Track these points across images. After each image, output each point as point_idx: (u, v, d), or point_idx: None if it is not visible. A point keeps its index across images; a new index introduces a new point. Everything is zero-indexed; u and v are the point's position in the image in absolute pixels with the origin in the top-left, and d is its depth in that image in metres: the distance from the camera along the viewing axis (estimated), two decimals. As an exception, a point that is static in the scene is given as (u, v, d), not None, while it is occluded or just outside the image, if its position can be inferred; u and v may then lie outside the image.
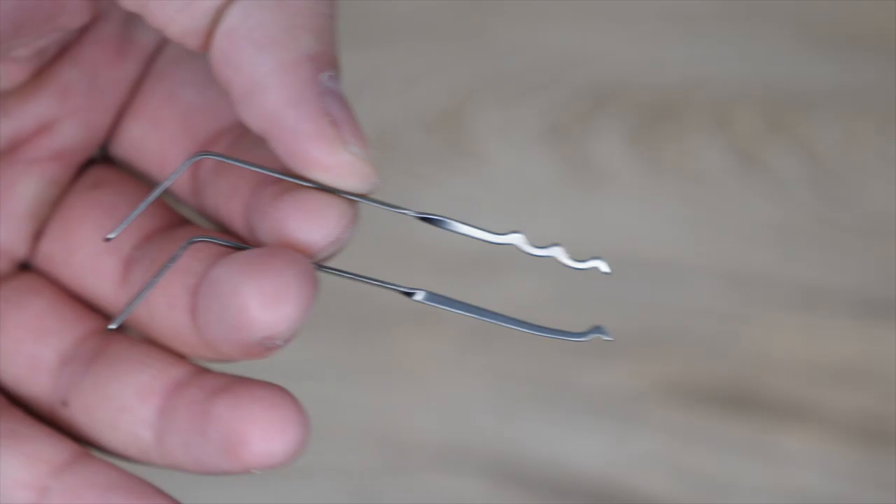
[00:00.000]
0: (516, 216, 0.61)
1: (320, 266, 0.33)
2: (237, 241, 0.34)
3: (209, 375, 0.35)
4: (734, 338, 0.59)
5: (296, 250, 0.33)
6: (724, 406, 0.57)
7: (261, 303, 0.31)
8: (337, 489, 0.56)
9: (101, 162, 0.38)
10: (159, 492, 0.37)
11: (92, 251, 0.37)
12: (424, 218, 0.34)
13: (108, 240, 0.34)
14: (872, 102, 0.63)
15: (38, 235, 0.37)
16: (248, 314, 0.31)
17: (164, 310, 0.35)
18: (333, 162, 0.33)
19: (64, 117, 0.37)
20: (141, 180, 0.38)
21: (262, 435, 0.33)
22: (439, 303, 0.34)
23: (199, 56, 0.36)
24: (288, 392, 0.34)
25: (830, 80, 0.64)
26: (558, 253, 0.34)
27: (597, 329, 0.34)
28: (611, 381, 0.58)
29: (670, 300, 0.59)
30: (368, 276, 0.35)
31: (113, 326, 0.34)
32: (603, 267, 0.34)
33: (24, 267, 0.38)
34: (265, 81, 0.32)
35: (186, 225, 0.37)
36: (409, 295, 0.34)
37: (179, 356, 0.36)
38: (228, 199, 0.35)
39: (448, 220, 0.34)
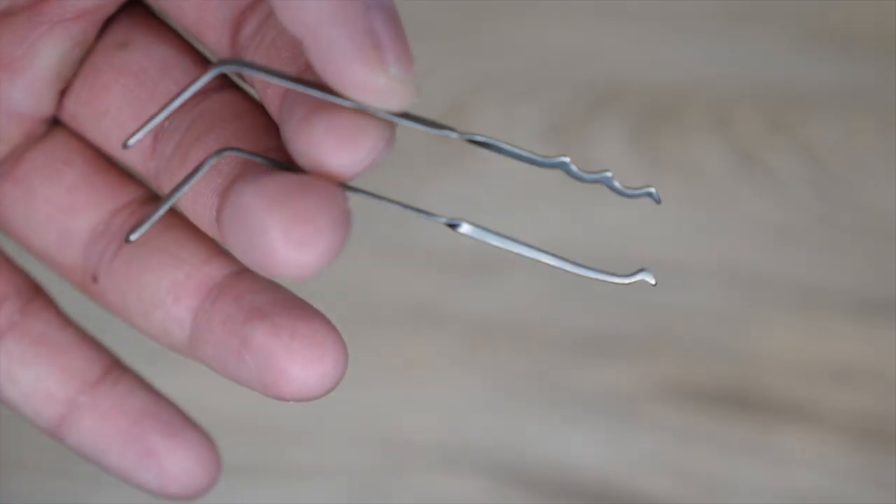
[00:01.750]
0: (516, 216, 0.61)
1: (354, 189, 0.32)
2: (269, 157, 0.33)
3: (244, 285, 0.34)
4: (734, 338, 0.58)
5: (328, 176, 0.31)
6: (724, 406, 0.57)
7: (288, 245, 0.29)
8: (337, 489, 0.56)
9: (130, 9, 0.36)
10: (190, 423, 0.36)
11: (120, 119, 0.35)
12: (472, 140, 0.33)
13: (126, 146, 0.32)
14: (872, 102, 0.63)
15: (63, 92, 0.36)
16: (274, 254, 0.30)
17: (189, 203, 0.33)
18: (370, 85, 0.30)
19: None
20: (172, 32, 0.36)
21: (300, 369, 0.32)
22: (482, 235, 0.33)
23: None
24: (327, 321, 0.33)
25: (830, 80, 0.64)
26: (608, 179, 0.33)
27: (642, 271, 0.33)
28: (611, 381, 0.58)
29: (670, 300, 0.59)
30: (403, 202, 0.33)
31: (133, 238, 0.32)
32: (654, 198, 0.33)
33: (55, 122, 0.37)
34: None
35: (221, 90, 0.35)
36: (453, 227, 0.33)
37: (215, 247, 0.35)
38: (265, 86, 0.33)
39: (495, 143, 0.33)
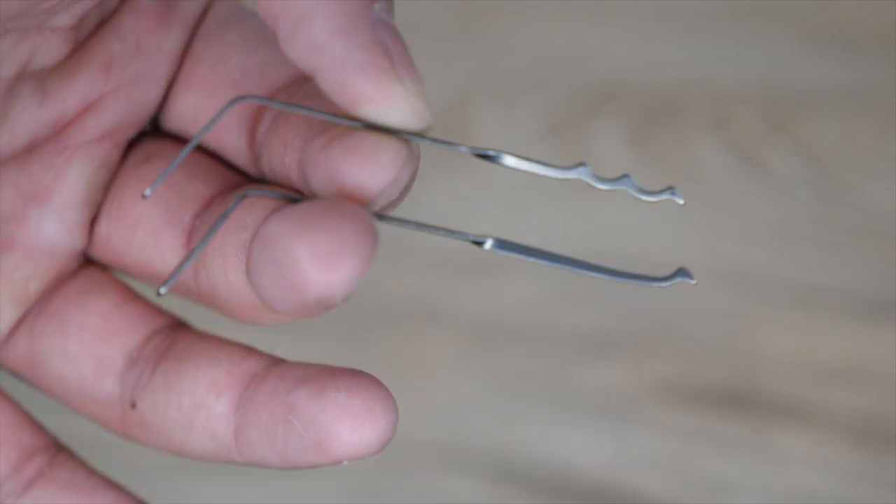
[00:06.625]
0: (516, 216, 0.61)
1: (381, 216, 0.31)
2: (292, 194, 0.32)
3: (287, 366, 0.34)
4: (734, 338, 0.58)
5: (352, 200, 0.30)
6: (724, 406, 0.57)
7: (315, 262, 0.29)
8: (337, 489, 0.56)
9: (151, 134, 0.37)
10: None
11: (151, 227, 0.35)
12: (480, 154, 0.32)
13: (145, 196, 0.32)
14: (872, 102, 0.63)
15: (93, 220, 0.36)
16: (302, 274, 0.29)
17: (219, 270, 0.33)
18: (385, 96, 0.30)
19: (109, 94, 0.35)
20: (196, 149, 0.36)
21: (352, 426, 0.32)
22: (509, 250, 0.32)
23: (244, 16, 0.35)
24: (373, 378, 0.32)
25: (830, 80, 0.64)
26: (628, 185, 0.32)
27: (681, 272, 0.32)
28: (611, 381, 0.58)
29: (670, 300, 0.59)
30: (433, 225, 0.33)
31: (163, 291, 0.32)
32: (677, 199, 0.32)
33: (87, 260, 0.37)
34: (314, 10, 0.30)
35: (245, 186, 0.35)
36: (479, 244, 0.32)
37: (251, 348, 0.35)
38: (282, 156, 0.33)
39: (505, 155, 0.32)
